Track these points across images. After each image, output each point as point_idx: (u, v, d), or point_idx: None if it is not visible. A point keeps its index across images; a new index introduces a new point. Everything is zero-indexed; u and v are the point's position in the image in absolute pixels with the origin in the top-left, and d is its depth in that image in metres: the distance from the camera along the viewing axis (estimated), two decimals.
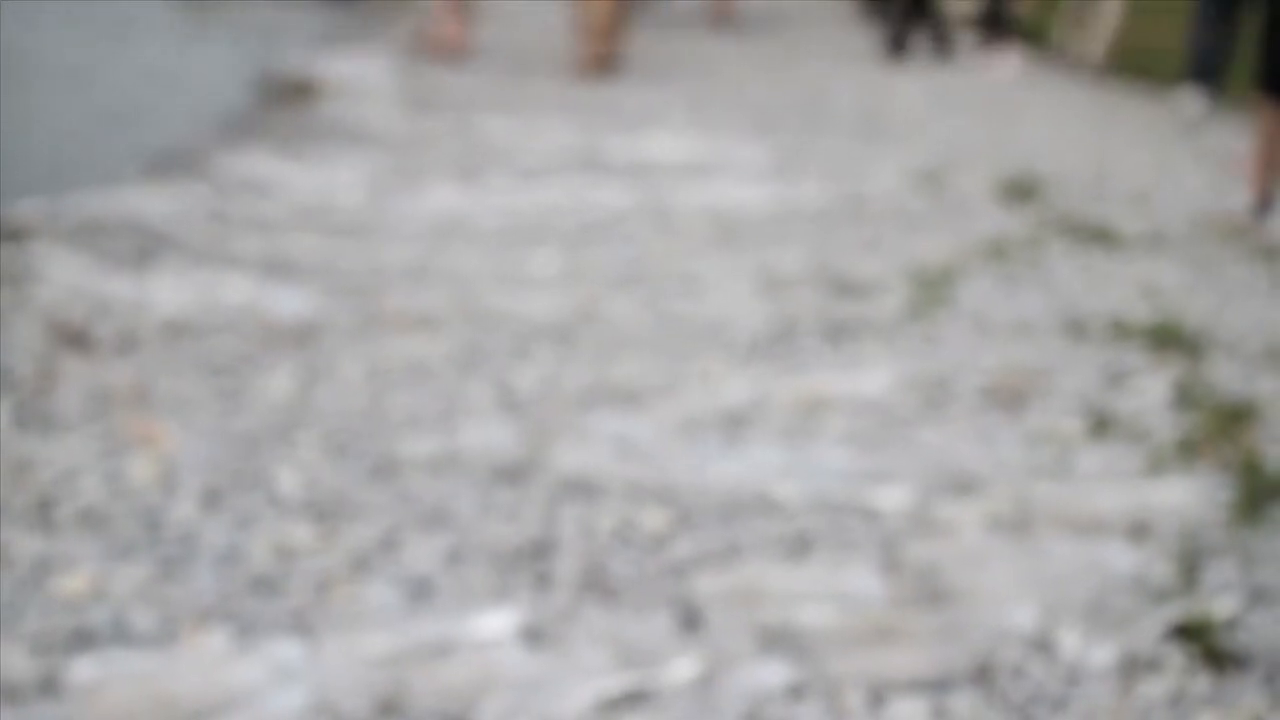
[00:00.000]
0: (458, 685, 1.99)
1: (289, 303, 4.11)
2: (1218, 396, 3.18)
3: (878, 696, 1.98)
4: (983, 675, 2.04)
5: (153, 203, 5.40)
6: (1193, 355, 3.48)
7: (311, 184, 5.86)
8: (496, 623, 2.20)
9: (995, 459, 2.84)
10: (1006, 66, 10.73)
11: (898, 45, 10.89)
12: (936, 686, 2.01)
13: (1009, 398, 3.27)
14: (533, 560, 2.44)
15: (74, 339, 3.86)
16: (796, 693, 2.01)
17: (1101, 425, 3.05)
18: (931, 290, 4.11)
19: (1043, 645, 2.12)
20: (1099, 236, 4.88)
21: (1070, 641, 2.09)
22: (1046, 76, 11.34)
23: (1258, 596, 2.26)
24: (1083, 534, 2.51)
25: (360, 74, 9.04)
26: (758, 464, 2.81)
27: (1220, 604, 2.18)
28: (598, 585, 2.34)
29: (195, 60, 10.04)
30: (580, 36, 9.92)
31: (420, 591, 2.35)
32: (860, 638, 2.12)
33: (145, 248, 4.84)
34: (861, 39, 12.28)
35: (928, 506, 2.66)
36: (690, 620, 2.24)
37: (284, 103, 8.18)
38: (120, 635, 2.23)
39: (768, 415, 3.17)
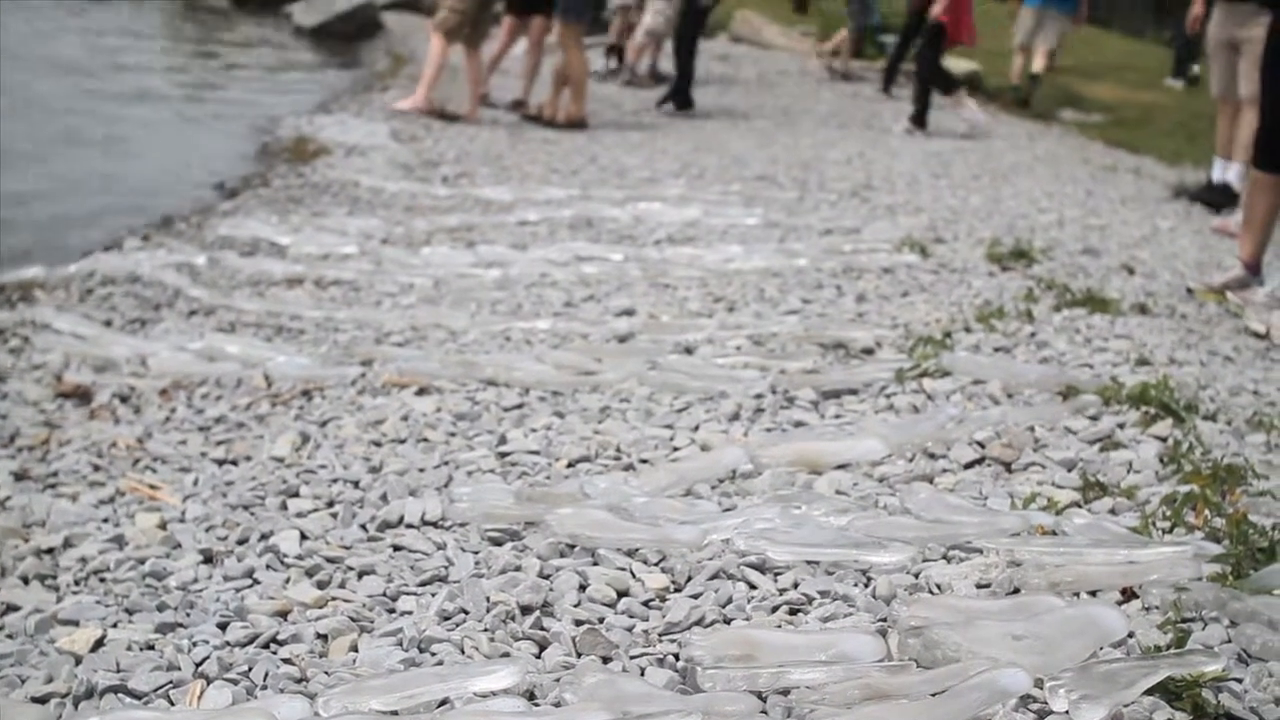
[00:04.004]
0: None
1: (288, 363, 4.15)
2: (1206, 460, 3.20)
3: None
4: None
5: (154, 264, 5.44)
6: (1181, 420, 3.51)
7: (310, 246, 5.91)
8: (495, 682, 2.22)
9: (987, 522, 2.86)
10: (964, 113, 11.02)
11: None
12: None
13: (1001, 461, 3.29)
14: (530, 620, 2.47)
15: (77, 398, 3.89)
16: None
17: (1092, 488, 3.08)
18: (924, 354, 4.14)
19: (1034, 706, 2.14)
20: (1089, 301, 4.92)
21: (1061, 702, 2.11)
22: (1042, 140, 11.44)
23: (1246, 657, 2.29)
24: (1073, 595, 2.54)
25: (358, 137, 9.11)
26: (752, 527, 2.83)
27: (1209, 665, 2.20)
28: (594, 645, 2.36)
29: (197, 123, 10.12)
30: (556, 94, 10.13)
31: (419, 651, 2.37)
32: (854, 698, 2.14)
33: (147, 308, 4.88)
34: (851, 104, 12.40)
35: (920, 569, 2.68)
36: (686, 681, 2.26)
37: (284, 165, 8.24)
38: (122, 692, 2.25)
39: (762, 479, 3.20)
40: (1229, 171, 8.31)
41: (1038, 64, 14.58)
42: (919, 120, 11.29)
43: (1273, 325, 4.87)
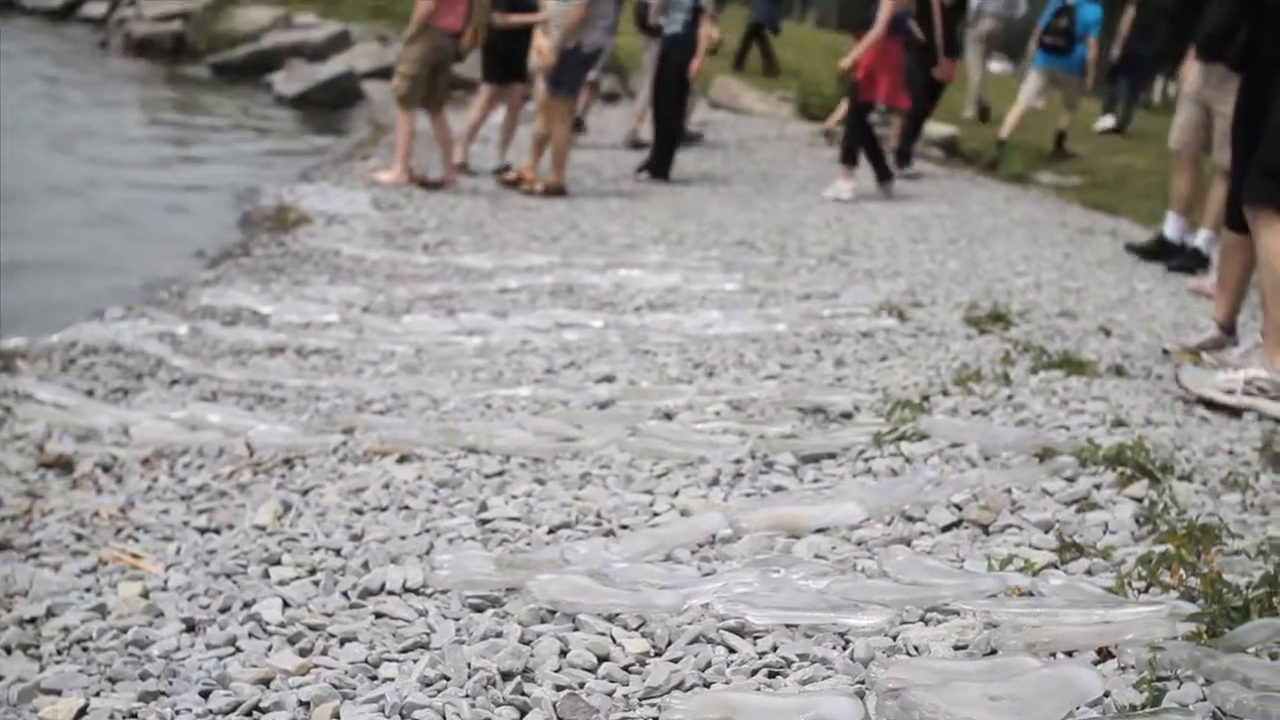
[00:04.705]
0: None
1: (270, 432, 4.16)
2: (1181, 520, 3.23)
3: None
4: None
5: (136, 334, 5.46)
6: (1157, 480, 3.54)
7: (291, 315, 5.94)
8: None
9: (964, 584, 2.88)
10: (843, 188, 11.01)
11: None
12: None
13: (978, 524, 3.32)
14: (511, 686, 2.48)
15: (59, 467, 3.90)
16: None
17: (1068, 549, 3.10)
18: (902, 418, 4.17)
19: None
20: (1066, 363, 4.95)
21: None
22: (1019, 203, 11.53)
23: (1220, 715, 2.31)
24: (1050, 656, 2.56)
25: (339, 205, 9.15)
26: (731, 591, 2.85)
27: None
28: (575, 711, 2.37)
29: (178, 192, 10.16)
30: (534, 159, 10.20)
31: (401, 718, 2.38)
32: None
33: (129, 378, 4.89)
34: (829, 169, 12.49)
35: (898, 631, 2.70)
36: None
37: (266, 234, 8.28)
38: None
39: (741, 543, 3.21)
40: (1182, 229, 8.44)
41: (1062, 121, 15.29)
42: (882, 175, 11.30)
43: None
